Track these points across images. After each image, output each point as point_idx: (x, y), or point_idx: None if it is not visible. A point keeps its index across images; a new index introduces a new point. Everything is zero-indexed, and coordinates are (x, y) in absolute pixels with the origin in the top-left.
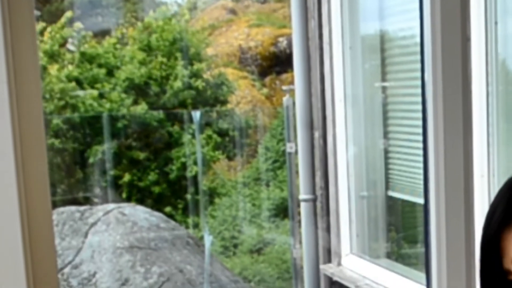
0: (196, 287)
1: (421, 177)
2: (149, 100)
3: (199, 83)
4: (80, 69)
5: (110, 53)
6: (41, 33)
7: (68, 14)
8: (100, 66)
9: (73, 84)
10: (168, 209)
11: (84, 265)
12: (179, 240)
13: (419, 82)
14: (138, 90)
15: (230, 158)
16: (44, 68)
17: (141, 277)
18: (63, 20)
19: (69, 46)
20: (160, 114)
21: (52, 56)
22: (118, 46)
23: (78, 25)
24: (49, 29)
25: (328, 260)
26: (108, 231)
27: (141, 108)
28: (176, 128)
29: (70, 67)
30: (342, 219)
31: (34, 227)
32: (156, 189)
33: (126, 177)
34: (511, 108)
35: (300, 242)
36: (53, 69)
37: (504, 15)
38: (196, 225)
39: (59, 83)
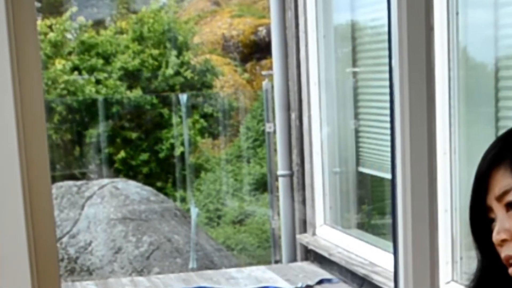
0: (183, 255)
1: (389, 154)
2: (142, 85)
3: (186, 70)
4: (79, 58)
5: (107, 42)
6: (50, 27)
7: (74, 9)
8: (97, 55)
9: (73, 71)
10: (157, 184)
11: (81, 235)
12: (168, 212)
13: (387, 68)
14: (132, 76)
15: (214, 137)
16: (48, 57)
17: (133, 246)
18: (68, 14)
19: (68, 35)
20: (152, 98)
21: (56, 46)
22: (114, 36)
23: (81, 19)
24: (54, 21)
25: (304, 230)
26: (103, 204)
27: (136, 93)
28: (166, 110)
29: (70, 56)
30: (317, 192)
31: (35, 200)
32: (147, 166)
33: (120, 155)
34: (471, 92)
35: (278, 214)
36: (56, 58)
37: (464, 6)
38: (183, 199)
39: (61, 71)
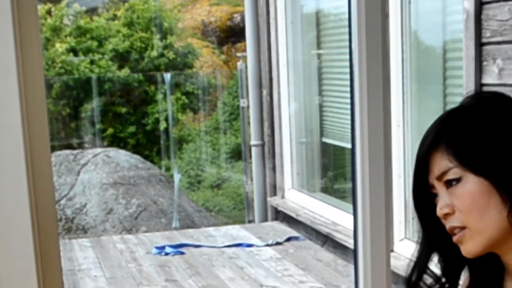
0: (167, 216)
1: (349, 126)
2: (131, 65)
3: (170, 52)
4: (76, 41)
5: (101, 27)
6: (48, 12)
7: None
8: (92, 38)
9: (70, 52)
10: (144, 153)
11: (77, 197)
12: (154, 177)
13: (347, 50)
14: (122, 57)
15: (194, 111)
16: (48, 40)
17: (122, 207)
18: (65, 1)
19: (65, 21)
20: (139, 76)
21: (55, 30)
22: (107, 22)
23: (76, 6)
24: (53, 8)
25: (274, 193)
26: (96, 170)
27: (125, 72)
28: (152, 88)
29: (68, 39)
30: (285, 160)
31: (36, 167)
32: (135, 137)
33: (111, 127)
34: (422, 71)
35: (251, 179)
36: (55, 40)
37: None
38: (167, 166)
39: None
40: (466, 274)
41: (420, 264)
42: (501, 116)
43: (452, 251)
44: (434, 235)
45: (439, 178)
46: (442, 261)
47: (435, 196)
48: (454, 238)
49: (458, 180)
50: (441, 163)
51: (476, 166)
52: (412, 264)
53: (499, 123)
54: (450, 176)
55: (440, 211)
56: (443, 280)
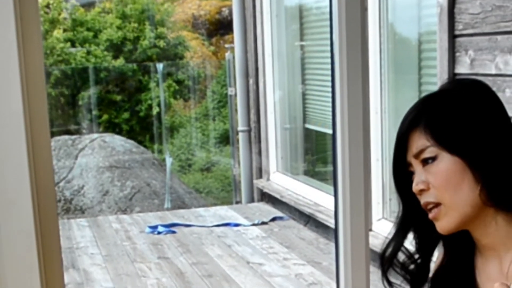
0: (159, 197)
1: (330, 113)
2: (125, 55)
3: (162, 43)
4: (73, 32)
5: (96, 19)
6: (47, 6)
7: None
8: (88, 29)
9: (67, 43)
10: (138, 138)
11: (75, 180)
12: (147, 161)
13: (328, 42)
14: (117, 48)
15: (185, 99)
16: (47, 31)
17: (118, 189)
18: None
19: (62, 15)
20: (133, 66)
21: (53, 22)
22: (101, 14)
23: (73, 1)
24: (51, 1)
25: (260, 176)
26: (93, 154)
27: (120, 62)
28: (145, 77)
29: (63, 30)
30: (270, 145)
31: (37, 151)
32: (129, 123)
33: (107, 114)
34: (399, 62)
35: (239, 163)
36: (53, 32)
37: None
38: (159, 150)
39: (58, 43)
40: (439, 251)
41: (396, 241)
42: (476, 101)
43: (427, 228)
44: (411, 212)
45: (416, 156)
46: (417, 238)
47: (412, 173)
48: (430, 215)
49: (434, 158)
50: (419, 141)
51: (451, 146)
52: (387, 240)
53: (474, 107)
54: (426, 154)
55: (415, 187)
56: (416, 256)
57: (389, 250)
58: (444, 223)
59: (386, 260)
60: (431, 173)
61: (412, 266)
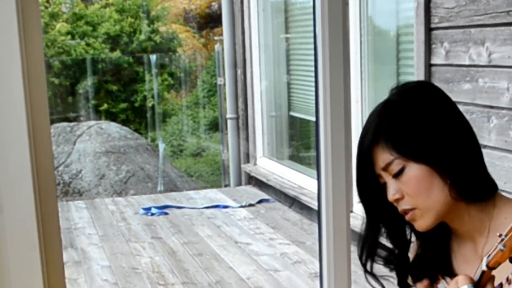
0: (153, 180)
1: (313, 101)
2: (122, 48)
3: (156, 36)
4: (73, 25)
5: (94, 14)
6: (47, 1)
7: None
8: (87, 23)
9: (67, 35)
10: (133, 125)
11: (73, 164)
12: (141, 147)
13: (311, 34)
14: (113, 40)
15: (177, 88)
16: (47, 25)
17: (113, 173)
18: None
19: (63, 9)
20: (129, 58)
21: (53, 16)
22: (100, 9)
23: None
24: None
25: (247, 161)
26: (90, 140)
27: (116, 54)
28: (140, 68)
29: (65, 24)
30: (257, 132)
31: (37, 137)
32: (125, 113)
33: (104, 103)
34: (378, 53)
35: (227, 148)
36: (53, 25)
37: None
38: (153, 137)
39: (59, 36)
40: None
41: (370, 243)
42: (426, 105)
43: (396, 224)
44: (381, 213)
45: (385, 169)
46: (390, 234)
47: (383, 184)
48: (407, 217)
49: (402, 169)
50: (383, 156)
51: (414, 155)
52: (361, 244)
53: (425, 111)
54: (394, 167)
55: (391, 197)
56: (396, 251)
57: (365, 252)
58: (421, 223)
59: (365, 262)
60: (403, 182)
61: (393, 259)
